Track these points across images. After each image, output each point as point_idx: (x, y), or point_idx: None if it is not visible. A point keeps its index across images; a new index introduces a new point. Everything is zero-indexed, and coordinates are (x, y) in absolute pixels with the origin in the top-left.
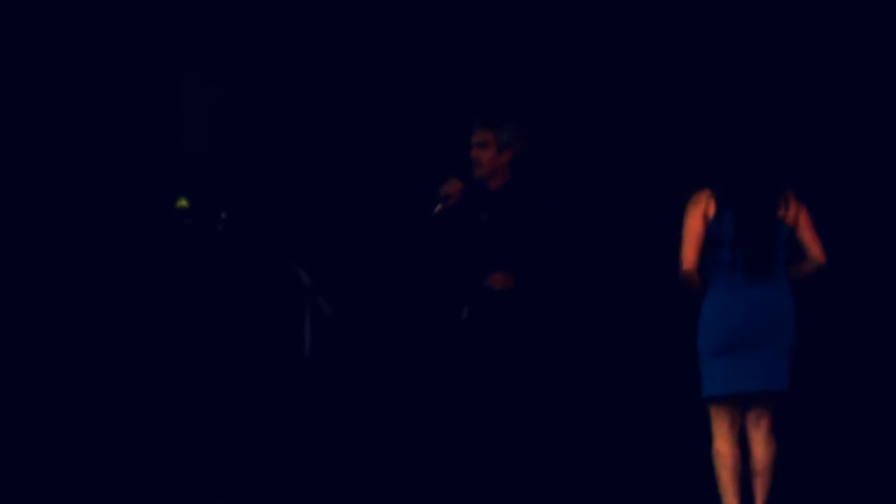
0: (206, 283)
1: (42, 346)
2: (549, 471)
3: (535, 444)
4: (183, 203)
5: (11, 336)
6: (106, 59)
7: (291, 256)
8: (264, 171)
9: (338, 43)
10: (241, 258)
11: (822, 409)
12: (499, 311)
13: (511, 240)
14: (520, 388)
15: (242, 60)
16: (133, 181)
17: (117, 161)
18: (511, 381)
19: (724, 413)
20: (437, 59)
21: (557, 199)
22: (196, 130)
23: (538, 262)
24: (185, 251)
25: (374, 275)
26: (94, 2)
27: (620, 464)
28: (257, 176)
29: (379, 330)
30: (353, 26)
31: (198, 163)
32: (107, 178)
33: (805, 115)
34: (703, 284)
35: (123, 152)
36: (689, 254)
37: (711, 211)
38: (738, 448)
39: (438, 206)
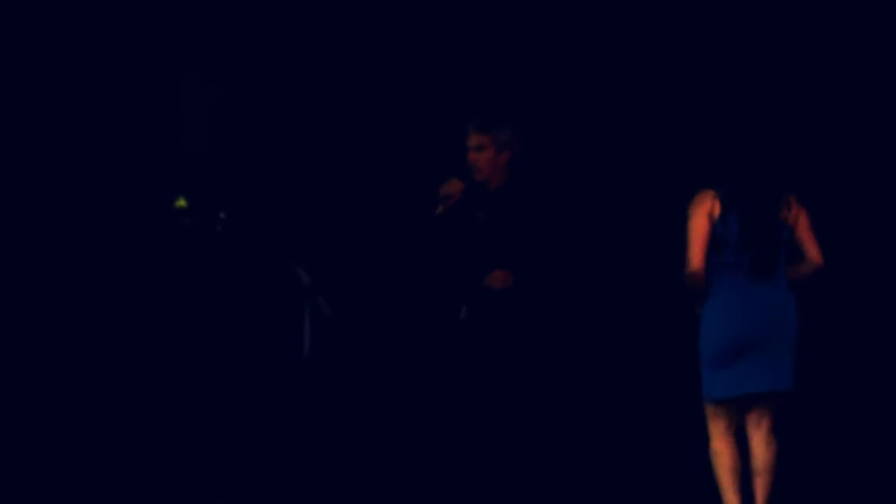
0: (205, 283)
1: (41, 345)
2: (549, 470)
3: (535, 443)
4: (181, 203)
5: (10, 335)
6: (106, 59)
7: (291, 256)
8: (264, 171)
9: (337, 43)
10: (241, 258)
11: (822, 409)
12: (498, 311)
13: (509, 239)
14: (518, 387)
15: (242, 60)
16: (133, 181)
17: (117, 161)
18: (510, 381)
19: (723, 414)
20: (436, 58)
21: (556, 199)
22: (196, 130)
23: (536, 261)
24: (183, 251)
25: (374, 274)
26: (94, 2)
27: (620, 464)
28: (257, 176)
29: (378, 329)
30: (353, 26)
31: (198, 163)
32: (107, 177)
33: (809, 116)
34: (706, 285)
35: (123, 152)
36: (697, 254)
37: (717, 211)
38: (737, 447)
39: (440, 207)
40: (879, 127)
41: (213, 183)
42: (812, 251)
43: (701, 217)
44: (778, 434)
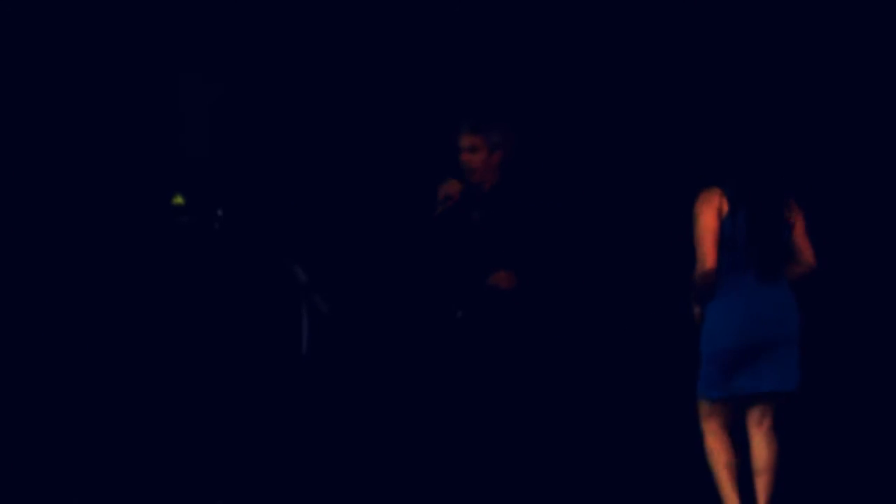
0: (202, 281)
1: (40, 344)
2: (550, 470)
3: (534, 443)
4: (179, 200)
5: (9, 334)
6: (106, 59)
7: (288, 254)
8: (263, 170)
9: (337, 43)
10: (238, 256)
11: (822, 409)
12: (497, 310)
13: (505, 238)
14: (517, 386)
15: (242, 60)
16: (133, 181)
17: (117, 160)
18: (508, 380)
19: (719, 412)
20: (434, 59)
21: (552, 198)
22: (196, 130)
23: (533, 260)
24: (181, 249)
25: (371, 273)
26: (94, 2)
27: (620, 464)
28: (256, 174)
29: (376, 327)
30: (353, 26)
31: (197, 162)
32: (106, 177)
33: (813, 116)
34: None
35: (123, 152)
36: (709, 252)
37: (725, 209)
38: (731, 444)
39: (440, 208)
40: (882, 127)
41: (211, 181)
42: (807, 252)
43: (710, 215)
44: (778, 433)
